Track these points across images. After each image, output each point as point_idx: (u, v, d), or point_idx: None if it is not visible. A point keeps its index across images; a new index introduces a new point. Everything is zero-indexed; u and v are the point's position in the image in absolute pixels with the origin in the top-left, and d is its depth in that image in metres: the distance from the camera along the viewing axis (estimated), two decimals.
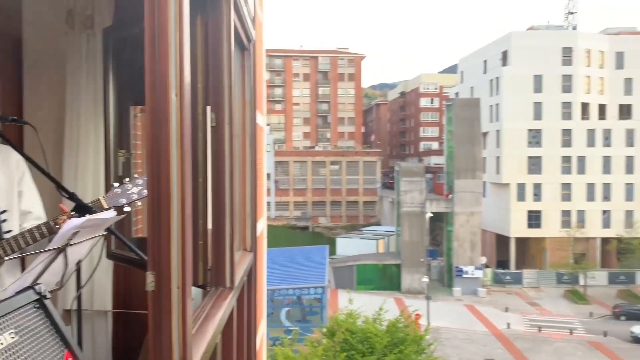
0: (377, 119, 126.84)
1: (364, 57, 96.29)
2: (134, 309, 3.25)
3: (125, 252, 3.07)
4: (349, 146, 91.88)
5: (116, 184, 2.39)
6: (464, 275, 49.73)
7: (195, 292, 2.34)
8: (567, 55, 58.92)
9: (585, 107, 59.50)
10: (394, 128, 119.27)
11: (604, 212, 58.24)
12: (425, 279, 44.31)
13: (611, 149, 58.41)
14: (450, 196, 51.63)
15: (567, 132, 58.44)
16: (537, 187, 58.29)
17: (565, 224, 56.69)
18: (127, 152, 3.41)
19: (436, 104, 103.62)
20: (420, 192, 51.03)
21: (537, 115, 58.65)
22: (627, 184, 58.32)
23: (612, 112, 60.61)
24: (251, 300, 3.41)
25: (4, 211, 2.12)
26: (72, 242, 1.77)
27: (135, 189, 2.37)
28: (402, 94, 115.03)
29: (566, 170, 58.31)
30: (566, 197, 58.20)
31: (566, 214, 57.82)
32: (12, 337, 1.29)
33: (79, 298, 2.37)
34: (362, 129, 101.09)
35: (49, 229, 2.06)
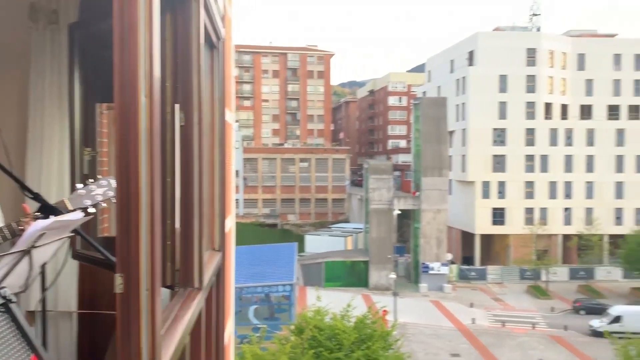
0: (346, 116, 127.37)
1: (333, 55, 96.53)
2: (100, 309, 3.20)
3: (91, 252, 3.02)
4: (318, 144, 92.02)
5: (80, 186, 2.36)
6: (430, 272, 50.50)
7: (162, 292, 2.33)
8: (531, 56, 60.36)
9: (548, 107, 61.11)
10: (362, 126, 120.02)
11: (566, 209, 59.99)
12: (393, 276, 44.81)
13: (572, 148, 60.18)
14: (417, 194, 52.32)
15: (530, 132, 59.92)
16: (502, 185, 59.62)
17: (529, 221, 58.16)
18: (93, 151, 3.35)
19: (404, 102, 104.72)
20: (388, 190, 51.53)
21: (502, 115, 59.94)
22: (587, 182, 60.21)
23: (574, 112, 62.43)
24: (220, 300, 3.40)
25: None
26: (37, 245, 1.73)
27: (99, 190, 2.34)
28: (371, 92, 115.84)
29: (529, 168, 59.81)
30: (529, 195, 59.71)
31: (529, 211, 59.33)
32: None
33: (43, 300, 2.32)
34: (332, 127, 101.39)
35: (12, 232, 2.01)
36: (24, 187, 2.16)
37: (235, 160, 6.65)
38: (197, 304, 2.42)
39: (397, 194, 54.45)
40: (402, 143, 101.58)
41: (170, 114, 2.41)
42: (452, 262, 55.76)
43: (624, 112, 62.43)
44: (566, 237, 59.06)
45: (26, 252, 1.80)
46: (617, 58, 62.46)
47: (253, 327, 28.30)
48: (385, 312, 29.98)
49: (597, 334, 37.21)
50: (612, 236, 57.88)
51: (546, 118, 60.76)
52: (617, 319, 37.57)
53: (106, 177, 2.42)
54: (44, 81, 3.18)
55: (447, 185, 53.07)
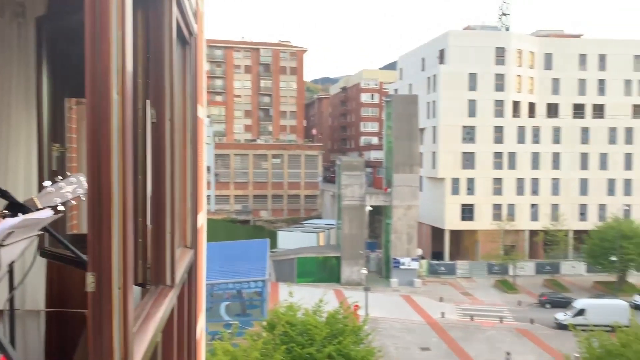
0: (318, 113, 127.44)
1: (306, 51, 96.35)
2: (69, 307, 3.16)
3: (59, 250, 2.98)
4: (290, 140, 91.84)
5: (49, 183, 2.32)
6: (401, 267, 51.08)
7: (134, 290, 2.31)
8: (500, 55, 61.41)
9: (516, 105, 62.31)
10: (335, 122, 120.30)
11: (532, 205, 61.38)
12: (364, 271, 45.18)
13: (539, 145, 61.55)
14: (389, 190, 52.78)
15: (499, 129, 61.03)
16: (471, 181, 60.61)
17: (497, 217, 59.31)
18: (62, 147, 3.29)
19: (376, 99, 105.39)
20: (361, 186, 51.84)
21: (472, 113, 60.88)
22: (553, 179, 61.71)
23: (541, 110, 63.83)
24: (192, 297, 3.39)
25: None
26: (5, 243, 1.70)
27: (69, 188, 2.30)
28: (344, 88, 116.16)
29: (498, 165, 60.94)
30: (497, 191, 60.87)
31: (497, 207, 60.50)
32: None
33: (11, 299, 2.28)
34: (304, 123, 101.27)
35: None
36: None
37: (206, 155, 6.61)
38: (169, 302, 2.41)
39: (369, 190, 54.85)
40: (375, 140, 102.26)
41: (141, 110, 2.39)
42: (422, 257, 56.51)
43: (588, 110, 64.13)
44: (533, 233, 60.46)
45: None
46: (583, 58, 64.10)
47: (225, 323, 28.16)
48: (356, 307, 30.27)
49: (562, 326, 38.19)
50: (576, 232, 59.54)
51: (514, 116, 61.96)
52: (581, 312, 38.65)
53: (75, 174, 2.38)
54: (10, 75, 3.10)
55: (418, 182, 53.68)
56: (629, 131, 62.49)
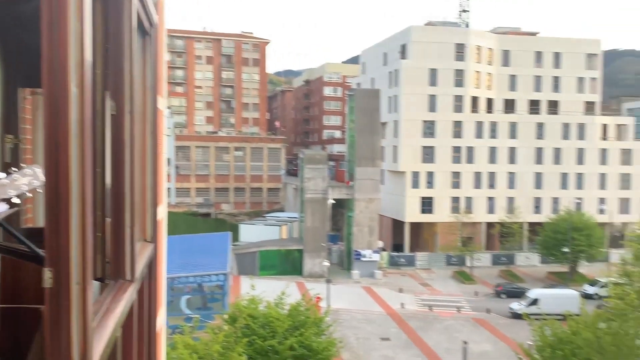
0: (281, 105, 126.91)
1: (268, 43, 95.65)
2: (24, 303, 3.07)
3: (13, 244, 2.89)
4: (253, 132, 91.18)
5: (2, 175, 2.25)
6: (363, 259, 51.65)
7: (92, 285, 2.27)
8: (459, 51, 62.53)
9: (474, 100, 63.69)
10: (298, 115, 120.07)
11: (489, 198, 63.01)
12: (326, 263, 45.45)
13: (497, 140, 63.15)
14: (351, 183, 53.18)
15: (458, 124, 62.27)
16: (430, 175, 61.71)
17: (455, 209, 60.62)
18: (15, 138, 3.18)
19: (339, 93, 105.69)
20: (323, 179, 52.03)
21: (432, 107, 61.87)
22: (509, 173, 63.48)
23: (498, 106, 65.45)
24: (152, 292, 3.35)
25: None
26: None
27: (24, 180, 2.24)
28: (307, 82, 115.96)
29: (456, 159, 62.23)
30: (456, 185, 62.20)
31: (455, 200, 61.84)
32: None
33: None
34: (267, 116, 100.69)
35: None
36: None
37: (166, 148, 6.52)
38: (128, 296, 2.39)
39: (332, 183, 55.10)
40: (337, 133, 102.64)
41: (100, 102, 2.35)
42: (383, 250, 57.29)
43: (543, 107, 66.18)
44: (489, 225, 62.11)
45: None
46: (539, 55, 66.01)
47: (185, 317, 27.86)
48: (318, 299, 30.46)
49: (516, 316, 39.47)
50: (531, 224, 61.53)
51: (473, 111, 63.31)
52: (534, 302, 39.98)
53: (31, 165, 2.32)
54: None
55: (380, 175, 54.29)
56: (581, 127, 64.82)
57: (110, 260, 2.45)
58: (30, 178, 2.26)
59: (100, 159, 2.39)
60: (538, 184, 63.94)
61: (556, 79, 66.43)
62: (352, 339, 34.51)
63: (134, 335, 2.63)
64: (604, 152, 65.10)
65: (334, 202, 52.62)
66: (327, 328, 21.96)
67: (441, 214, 61.04)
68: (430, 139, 61.70)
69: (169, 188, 75.05)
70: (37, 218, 3.80)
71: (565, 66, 66.15)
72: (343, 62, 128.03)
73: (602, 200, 64.59)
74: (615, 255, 47.37)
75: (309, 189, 51.45)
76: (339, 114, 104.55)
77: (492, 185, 63.01)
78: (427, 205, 61.61)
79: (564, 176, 64.30)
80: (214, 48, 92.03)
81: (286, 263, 51.80)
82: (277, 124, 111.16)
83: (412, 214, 61.34)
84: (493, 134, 63.09)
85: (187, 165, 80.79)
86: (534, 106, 66.12)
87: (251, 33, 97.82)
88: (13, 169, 2.31)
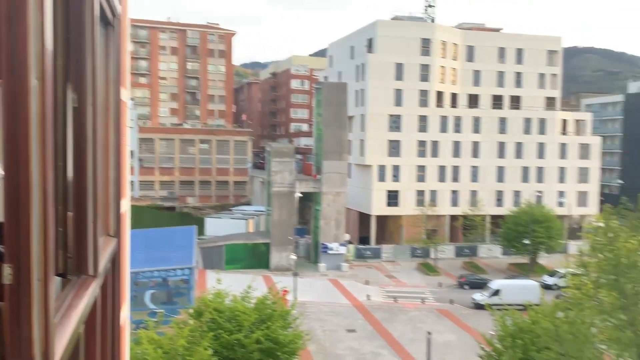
0: (248, 98, 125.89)
1: (235, 34, 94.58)
2: None
3: None
4: (219, 125, 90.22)
5: None
6: (329, 252, 51.94)
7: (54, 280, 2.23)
8: (425, 46, 63.25)
9: (439, 95, 64.60)
10: (265, 108, 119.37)
11: (453, 192, 64.18)
12: (293, 256, 45.53)
13: (460, 135, 64.29)
14: (318, 177, 53.30)
15: (423, 118, 63.09)
16: (396, 168, 62.41)
17: (420, 202, 61.54)
18: None
19: (307, 86, 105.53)
20: (290, 173, 51.97)
21: (398, 102, 62.47)
22: (472, 166, 64.76)
23: (462, 101, 66.58)
24: (115, 287, 3.31)
25: None
26: None
27: None
28: (274, 74, 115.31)
29: (421, 153, 63.10)
30: (421, 178, 63.10)
31: (420, 193, 62.75)
32: None
33: None
34: (233, 108, 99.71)
35: None
36: None
37: (130, 140, 6.40)
38: (91, 292, 2.35)
39: (299, 177, 55.10)
40: (305, 127, 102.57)
41: (62, 94, 2.29)
42: (350, 242, 57.74)
43: (506, 102, 67.67)
44: (453, 218, 63.31)
45: None
46: (502, 51, 67.37)
47: (150, 312, 27.50)
48: (285, 292, 30.52)
49: (479, 306, 40.40)
50: (493, 217, 63.01)
51: (438, 106, 64.22)
52: (496, 292, 41.02)
53: None
54: None
55: (347, 169, 54.58)
56: (542, 122, 66.58)
57: (73, 255, 2.40)
58: None
59: (62, 153, 2.34)
60: (500, 178, 65.45)
61: (518, 75, 67.97)
62: (318, 331, 34.73)
63: (97, 331, 2.59)
64: (563, 146, 67.09)
65: (301, 195, 52.66)
66: (293, 321, 22.03)
67: (406, 207, 61.85)
68: (396, 133, 62.34)
69: (132, 181, 73.62)
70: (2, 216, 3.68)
71: (527, 62, 67.73)
72: (310, 55, 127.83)
73: (561, 194, 66.64)
74: (574, 246, 48.94)
75: (276, 183, 51.33)
76: (307, 107, 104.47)
77: (455, 179, 64.16)
78: (392, 198, 62.31)
79: (525, 170, 66.01)
80: (179, 39, 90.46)
81: (253, 257, 51.63)
82: (243, 116, 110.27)
83: (378, 207, 61.95)
84: (457, 129, 64.18)
85: (151, 158, 79.41)
86: (497, 101, 67.53)
87: (217, 24, 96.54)
88: None
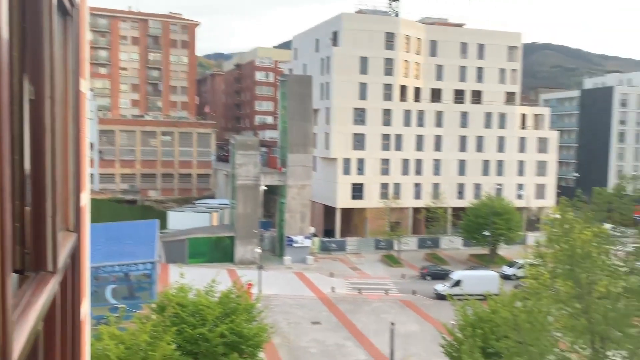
0: (211, 89, 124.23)
1: (198, 24, 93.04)
2: None
3: None
4: (181, 117, 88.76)
5: None
6: (295, 245, 52.00)
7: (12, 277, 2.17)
8: (389, 40, 63.71)
9: (403, 89, 65.28)
10: (229, 100, 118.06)
11: (416, 185, 65.13)
12: (258, 250, 45.37)
13: (423, 128, 65.19)
14: (283, 170, 53.17)
15: (387, 112, 63.67)
16: (361, 162, 62.87)
17: (384, 195, 62.22)
18: None
19: (272, 78, 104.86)
20: (255, 166, 51.67)
21: (362, 95, 62.83)
22: (435, 160, 65.83)
23: (426, 95, 67.48)
24: (75, 283, 3.25)
25: None
26: None
27: None
28: (238, 65, 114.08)
29: (386, 147, 63.74)
30: (385, 172, 63.78)
31: (384, 186, 63.44)
32: None
33: None
34: (196, 100, 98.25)
35: None
36: None
37: (89, 132, 6.26)
38: (50, 289, 2.30)
39: (264, 169, 54.84)
40: (270, 119, 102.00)
41: (18, 86, 2.23)
42: (315, 235, 57.93)
43: (468, 96, 68.95)
44: (416, 210, 64.28)
45: None
46: (464, 47, 68.51)
47: (111, 307, 26.97)
48: (249, 285, 30.41)
49: (440, 297, 41.19)
50: (455, 209, 64.30)
51: (401, 100, 64.90)
52: (457, 283, 41.94)
53: None
54: None
55: (312, 162, 54.63)
56: (502, 117, 68.16)
57: (31, 251, 2.35)
58: None
59: (19, 146, 2.28)
60: (461, 171, 66.76)
61: (480, 70, 69.28)
62: (283, 324, 34.79)
63: (57, 328, 2.54)
64: (522, 140, 68.90)
65: (266, 188, 52.47)
66: (258, 314, 22.01)
67: (371, 199, 62.44)
68: (361, 126, 62.73)
69: (92, 174, 71.84)
70: None
71: (488, 57, 69.09)
72: (275, 47, 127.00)
73: (520, 186, 68.50)
74: (532, 238, 50.45)
75: (241, 175, 50.96)
76: (271, 99, 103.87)
77: (419, 172, 65.10)
78: (357, 191, 62.78)
79: (486, 163, 67.53)
80: (140, 28, 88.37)
81: (217, 250, 51.20)
82: (207, 108, 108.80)
83: (343, 200, 62.31)
84: (420, 123, 65.04)
85: (112, 150, 77.58)
86: (459, 96, 68.72)
87: (180, 14, 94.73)
88: None
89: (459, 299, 24.14)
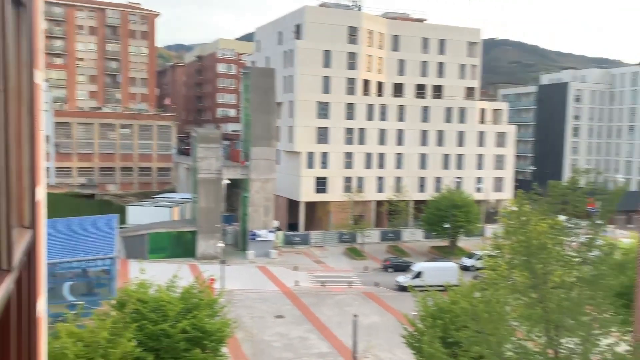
0: (172, 81, 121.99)
1: (158, 15, 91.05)
2: None
3: None
4: (141, 109, 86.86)
5: None
6: (258, 239, 51.80)
7: None
8: (352, 34, 63.95)
9: (366, 83, 65.72)
10: (190, 92, 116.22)
11: (379, 178, 65.81)
12: (221, 244, 44.99)
13: (386, 122, 65.85)
14: (246, 163, 52.78)
15: (350, 106, 64.00)
16: (325, 155, 63.04)
17: (347, 189, 62.66)
18: None
19: (234, 70, 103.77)
20: (217, 159, 51.10)
21: (326, 89, 62.93)
22: (397, 154, 66.64)
23: (388, 89, 68.13)
24: (31, 280, 3.16)
25: None
26: None
27: None
28: (200, 57, 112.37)
29: (349, 140, 64.10)
30: (348, 165, 64.18)
31: (348, 180, 63.86)
32: None
33: None
34: (157, 92, 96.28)
35: None
36: None
37: (45, 125, 6.08)
38: (5, 287, 2.24)
39: (227, 163, 54.41)
40: (232, 112, 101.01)
41: None
42: (279, 229, 57.84)
43: (429, 91, 69.98)
44: (379, 203, 65.00)
45: None
46: (425, 42, 69.41)
47: (69, 304, 26.28)
48: (212, 280, 30.15)
49: (402, 288, 41.93)
50: (416, 202, 65.34)
51: (364, 94, 65.34)
52: (418, 275, 42.69)
53: None
54: None
55: (275, 155, 54.43)
56: (462, 111, 69.50)
57: None
58: None
59: None
60: (423, 165, 67.82)
61: (441, 65, 70.36)
62: (246, 319, 34.67)
63: (12, 327, 2.47)
64: (481, 135, 70.47)
65: (228, 182, 52.00)
66: (221, 309, 21.86)
67: (334, 193, 62.75)
68: (325, 120, 62.86)
69: (48, 168, 69.55)
70: None
71: (449, 53, 70.22)
72: (237, 39, 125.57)
73: (479, 180, 70.11)
74: (490, 230, 51.78)
75: (203, 169, 50.33)
76: (234, 92, 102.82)
77: (381, 166, 65.77)
78: (321, 185, 62.98)
79: (446, 157, 68.79)
80: (98, 18, 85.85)
81: (178, 245, 50.51)
82: (167, 100, 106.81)
83: (307, 194, 62.40)
84: (383, 117, 65.66)
85: (68, 143, 75.32)
86: (420, 90, 69.67)
87: (138, 4, 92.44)
88: None
89: (420, 290, 24.57)
